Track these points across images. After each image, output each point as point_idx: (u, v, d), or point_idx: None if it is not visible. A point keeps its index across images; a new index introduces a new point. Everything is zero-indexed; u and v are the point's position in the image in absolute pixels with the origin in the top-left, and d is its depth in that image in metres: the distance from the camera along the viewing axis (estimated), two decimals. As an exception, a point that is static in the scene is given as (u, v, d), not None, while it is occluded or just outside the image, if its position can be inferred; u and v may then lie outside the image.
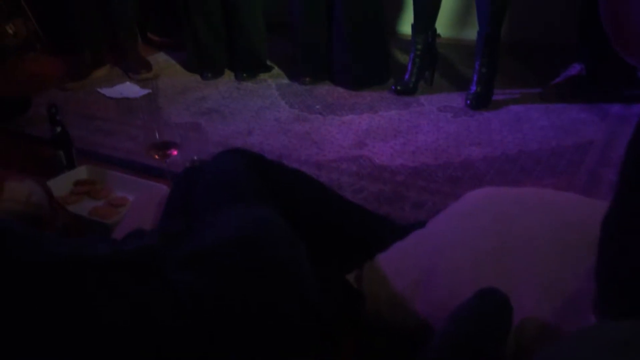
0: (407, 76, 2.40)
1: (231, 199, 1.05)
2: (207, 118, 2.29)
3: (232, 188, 1.08)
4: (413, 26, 2.36)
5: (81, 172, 1.81)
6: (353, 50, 2.44)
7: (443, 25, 2.52)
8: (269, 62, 2.73)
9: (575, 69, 2.41)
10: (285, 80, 2.61)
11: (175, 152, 1.72)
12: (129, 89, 2.55)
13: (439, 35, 2.40)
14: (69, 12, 2.63)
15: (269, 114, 2.31)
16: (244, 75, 2.62)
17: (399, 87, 2.39)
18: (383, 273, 1.07)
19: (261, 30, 2.66)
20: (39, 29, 2.92)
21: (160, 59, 2.88)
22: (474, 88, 2.25)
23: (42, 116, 2.16)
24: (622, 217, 0.65)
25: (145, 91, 2.53)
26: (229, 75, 2.68)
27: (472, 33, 2.28)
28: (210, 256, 0.88)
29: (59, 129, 1.78)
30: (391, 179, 1.83)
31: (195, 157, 1.86)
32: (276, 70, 2.71)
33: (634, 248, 0.62)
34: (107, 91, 2.53)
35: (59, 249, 0.78)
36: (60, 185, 1.71)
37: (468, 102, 2.25)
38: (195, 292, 0.82)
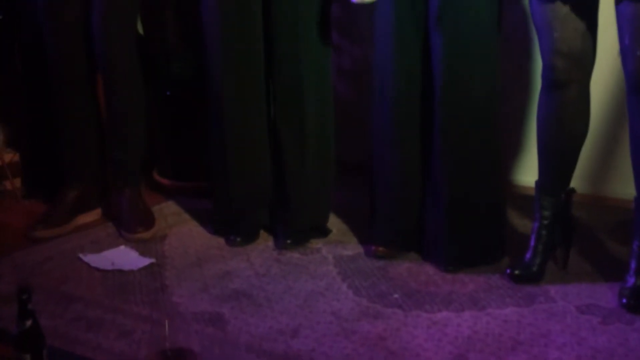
0: (529, 255, 2.47)
1: None
2: (233, 305, 2.38)
3: None
4: (538, 184, 2.46)
5: (53, 387, 1.89)
6: (453, 212, 2.53)
7: (579, 177, 2.59)
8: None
9: None
10: (348, 251, 2.71)
11: (192, 368, 1.80)
12: (124, 257, 2.67)
13: (574, 192, 2.49)
14: (58, 142, 2.89)
15: (323, 303, 2.39)
16: (289, 241, 2.75)
17: (516, 272, 2.46)
18: None
19: (328, 175, 2.77)
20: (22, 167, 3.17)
21: (168, 211, 3.06)
22: (632, 280, 2.29)
23: (2, 293, 2.31)
24: None
25: (146, 260, 2.65)
26: (265, 240, 2.81)
27: (621, 188, 2.31)
28: None
29: (28, 323, 1.89)
30: (509, 421, 1.85)
31: (220, 375, 1.93)
32: (335, 233, 2.84)
33: None
34: (92, 259, 2.66)
35: None
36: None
37: (624, 300, 2.28)
38: None
